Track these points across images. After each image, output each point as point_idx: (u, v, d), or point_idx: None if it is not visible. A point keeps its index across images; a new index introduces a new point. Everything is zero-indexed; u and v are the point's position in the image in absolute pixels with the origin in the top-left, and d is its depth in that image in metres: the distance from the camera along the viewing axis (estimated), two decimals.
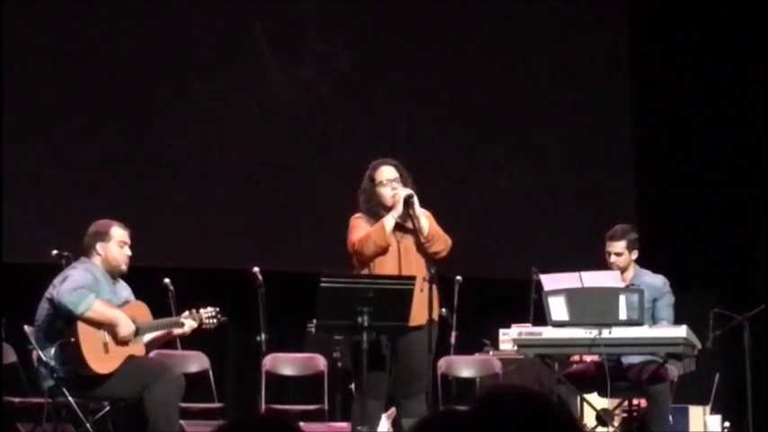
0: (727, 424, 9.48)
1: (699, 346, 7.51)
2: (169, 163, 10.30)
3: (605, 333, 7.15)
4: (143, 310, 7.11)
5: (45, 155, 9.89)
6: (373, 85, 10.93)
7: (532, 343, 7.40)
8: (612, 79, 11.44)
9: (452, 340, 9.46)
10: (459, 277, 9.47)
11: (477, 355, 9.65)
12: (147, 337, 7.12)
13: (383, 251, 6.88)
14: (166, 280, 8.80)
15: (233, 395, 10.16)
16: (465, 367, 9.48)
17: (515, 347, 7.62)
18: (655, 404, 7.52)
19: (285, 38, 10.70)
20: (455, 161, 10.99)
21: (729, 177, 11.25)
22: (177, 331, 7.27)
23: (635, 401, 8.03)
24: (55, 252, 7.60)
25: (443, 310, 7.40)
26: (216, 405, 8.89)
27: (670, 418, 7.67)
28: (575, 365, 8.18)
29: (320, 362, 9.32)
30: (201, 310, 7.26)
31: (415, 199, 6.84)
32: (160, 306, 7.88)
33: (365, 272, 6.91)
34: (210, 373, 9.02)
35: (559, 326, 7.27)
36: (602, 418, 7.49)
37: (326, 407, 9.08)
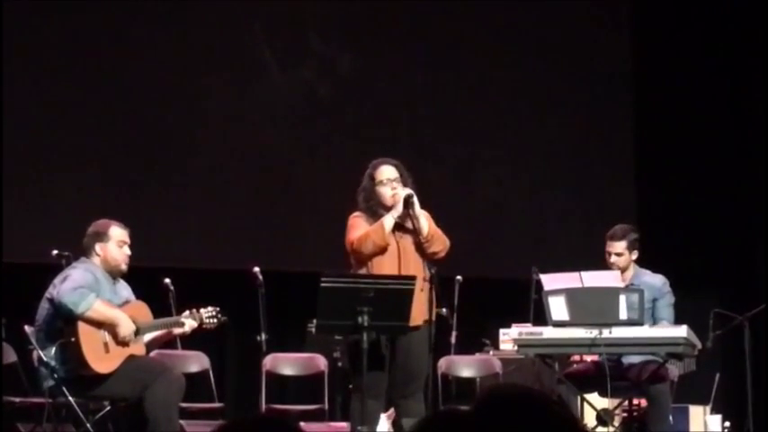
0: (727, 424, 9.48)
1: (699, 345, 7.51)
2: (170, 163, 10.30)
3: (605, 333, 7.14)
4: (143, 310, 7.11)
5: (45, 155, 9.89)
6: (373, 86, 10.93)
7: (533, 343, 7.39)
8: (613, 79, 11.43)
9: (453, 340, 9.46)
10: (459, 277, 9.48)
11: (477, 355, 9.65)
12: (148, 336, 7.12)
13: (381, 251, 6.88)
14: (167, 280, 8.80)
15: (233, 395, 10.16)
16: (465, 367, 9.47)
17: (515, 347, 7.62)
18: (655, 404, 7.51)
19: (285, 38, 10.71)
20: (455, 161, 10.99)
21: (730, 177, 11.25)
22: (177, 331, 7.27)
23: (635, 401, 8.03)
24: (55, 252, 7.60)
25: (444, 309, 7.39)
26: (216, 405, 8.89)
27: (670, 417, 7.67)
28: (575, 365, 8.18)
29: (320, 362, 9.32)
30: (202, 310, 7.26)
31: (415, 199, 6.84)
32: (160, 306, 7.88)
33: (363, 271, 6.91)
34: (211, 372, 9.02)
35: (560, 326, 7.27)
36: (603, 417, 7.49)
37: (327, 407, 9.08)
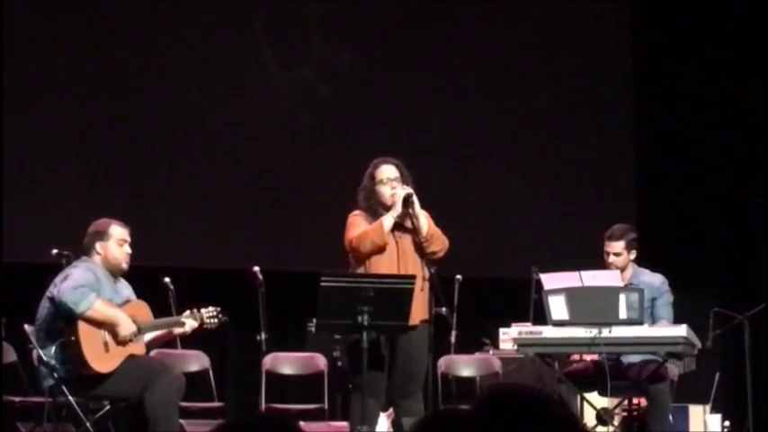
0: (727, 423, 9.48)
1: (699, 345, 7.51)
2: (170, 162, 10.30)
3: (605, 332, 7.14)
4: (144, 310, 7.11)
5: (45, 155, 9.89)
6: (373, 86, 10.93)
7: (532, 342, 7.40)
8: (613, 79, 11.43)
9: (452, 339, 9.45)
10: (459, 276, 9.47)
11: (477, 355, 9.65)
12: (148, 336, 7.12)
13: (380, 250, 6.89)
14: (167, 279, 8.80)
15: (233, 394, 10.16)
16: (465, 366, 9.47)
17: (515, 347, 7.62)
18: (655, 403, 7.52)
19: (285, 38, 10.71)
20: (455, 161, 10.99)
21: (730, 177, 11.24)
22: (178, 330, 7.27)
23: (635, 401, 8.03)
24: (55, 251, 7.59)
25: (444, 309, 7.38)
26: (216, 404, 8.89)
27: (670, 417, 7.68)
28: (575, 365, 8.18)
29: (320, 361, 9.32)
30: (202, 310, 7.26)
31: (415, 198, 6.85)
32: (161, 305, 7.88)
33: (362, 270, 6.91)
34: (211, 372, 9.02)
35: (559, 325, 7.27)
36: (603, 417, 7.49)
37: (326, 406, 9.07)
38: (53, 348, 6.84)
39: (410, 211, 6.84)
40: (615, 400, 7.84)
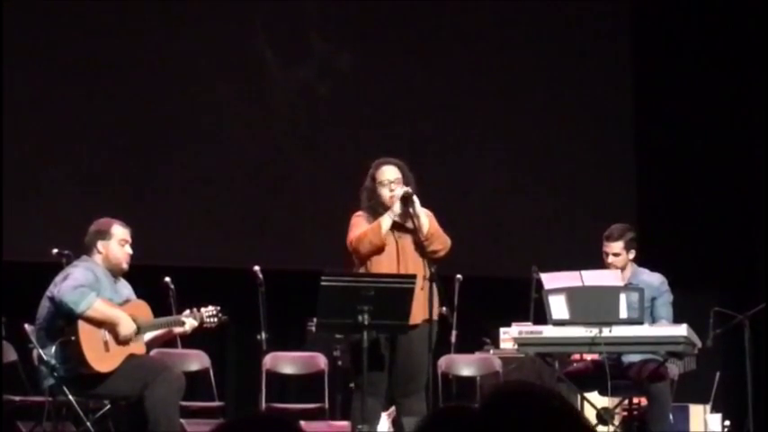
0: (727, 423, 9.48)
1: (699, 344, 7.51)
2: (170, 162, 10.30)
3: (606, 332, 7.14)
4: (144, 309, 7.11)
5: (46, 154, 9.89)
6: (373, 85, 10.93)
7: (533, 341, 7.40)
8: (613, 78, 11.43)
9: (453, 339, 9.45)
10: (459, 276, 9.47)
11: (477, 354, 9.65)
12: (148, 335, 7.12)
13: (378, 250, 6.89)
14: (167, 279, 8.80)
15: (233, 394, 10.16)
16: (465, 366, 9.47)
17: (516, 346, 7.62)
18: (655, 403, 7.51)
19: (286, 38, 10.71)
20: (455, 160, 10.99)
21: (730, 176, 11.24)
22: (178, 330, 7.28)
23: (635, 400, 8.04)
24: (55, 251, 7.58)
25: (444, 309, 7.39)
26: (216, 404, 8.89)
27: (670, 416, 7.68)
28: (575, 364, 8.18)
29: (321, 360, 9.32)
30: (202, 309, 7.27)
31: (415, 197, 6.84)
32: (161, 305, 7.89)
33: (362, 270, 6.92)
34: (211, 371, 9.01)
35: (560, 324, 7.27)
36: (603, 416, 7.49)
37: (327, 405, 9.07)
38: (53, 348, 6.84)
39: (410, 210, 6.84)
40: (615, 400, 7.84)
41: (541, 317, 7.61)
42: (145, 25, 10.26)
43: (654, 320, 7.53)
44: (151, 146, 10.25)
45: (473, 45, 11.13)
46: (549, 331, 7.31)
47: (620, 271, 7.68)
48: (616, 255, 7.72)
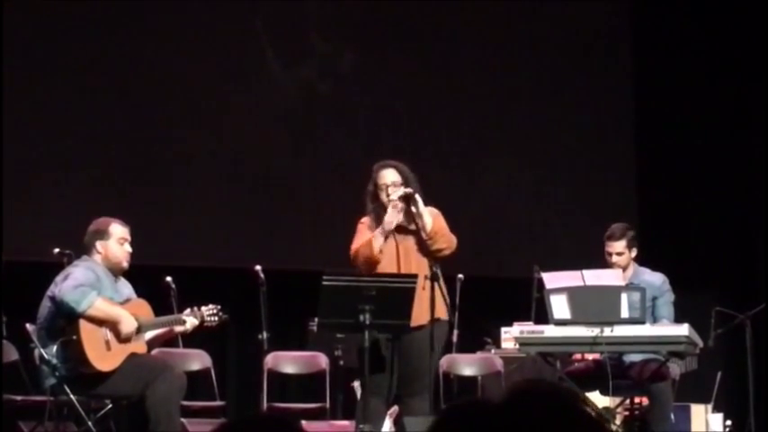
0: (728, 422, 9.48)
1: (700, 344, 7.51)
2: (171, 161, 10.30)
3: (607, 331, 7.14)
4: (144, 308, 7.11)
5: (46, 154, 9.88)
6: (374, 85, 10.93)
7: (534, 341, 7.40)
8: (614, 78, 11.43)
9: (454, 339, 9.44)
10: (460, 276, 9.46)
11: (478, 354, 9.65)
12: (149, 334, 7.12)
13: (374, 264, 6.88)
14: (168, 278, 8.79)
15: (234, 393, 10.15)
16: (467, 365, 9.46)
17: (517, 346, 7.62)
18: (656, 403, 7.51)
19: (286, 37, 10.70)
20: (456, 160, 10.99)
21: (730, 177, 11.24)
22: (179, 329, 7.28)
23: (636, 400, 8.03)
24: (56, 251, 7.59)
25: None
26: (217, 403, 8.88)
27: (672, 416, 7.68)
28: (576, 364, 8.18)
29: (322, 360, 9.31)
30: (203, 308, 7.26)
31: (417, 196, 6.83)
32: (162, 304, 7.88)
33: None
34: (212, 371, 9.00)
35: (561, 324, 7.27)
36: (604, 416, 7.49)
37: (328, 405, 9.06)
38: (54, 347, 6.84)
39: (412, 210, 6.83)
40: (617, 400, 7.84)
41: (543, 316, 7.61)
42: (145, 25, 10.25)
43: (655, 320, 7.53)
44: (152, 145, 10.24)
45: (473, 45, 11.13)
46: (550, 331, 7.31)
47: (621, 270, 7.68)
48: (619, 254, 7.72)
